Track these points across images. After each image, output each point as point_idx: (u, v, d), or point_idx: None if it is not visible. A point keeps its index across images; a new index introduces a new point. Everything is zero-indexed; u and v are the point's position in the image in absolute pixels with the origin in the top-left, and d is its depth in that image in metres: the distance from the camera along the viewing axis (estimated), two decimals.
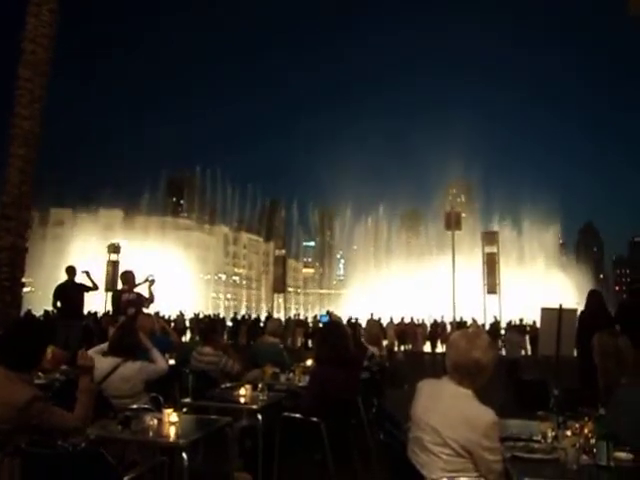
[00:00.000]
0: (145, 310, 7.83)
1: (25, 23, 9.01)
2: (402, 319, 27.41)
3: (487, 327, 22.82)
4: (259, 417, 4.34)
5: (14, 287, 8.64)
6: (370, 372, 6.02)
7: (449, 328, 25.07)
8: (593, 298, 7.23)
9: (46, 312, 23.01)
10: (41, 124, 9.06)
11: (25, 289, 9.56)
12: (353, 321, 23.82)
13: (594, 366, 3.55)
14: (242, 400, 4.60)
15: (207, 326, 6.24)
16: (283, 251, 30.15)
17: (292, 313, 38.25)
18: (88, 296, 9.67)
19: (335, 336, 4.63)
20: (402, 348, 24.86)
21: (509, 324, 24.10)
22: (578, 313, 6.79)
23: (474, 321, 23.84)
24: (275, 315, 30.47)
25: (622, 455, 2.69)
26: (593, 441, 2.71)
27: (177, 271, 45.40)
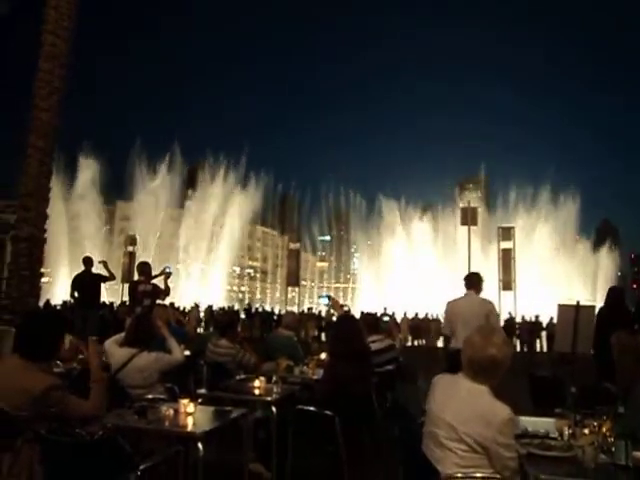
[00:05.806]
0: (160, 302, 7.90)
1: (44, 15, 9.05)
2: (416, 314, 27.35)
3: (502, 324, 22.63)
4: (273, 409, 4.37)
5: (32, 277, 8.74)
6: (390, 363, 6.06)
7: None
8: (613, 294, 7.11)
9: (64, 302, 23.38)
10: (59, 116, 9.13)
11: (44, 279, 9.69)
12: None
13: (612, 364, 3.50)
14: (256, 392, 4.62)
15: (225, 320, 6.21)
16: (297, 244, 30.05)
17: (306, 306, 38.30)
18: (105, 287, 9.80)
19: (350, 330, 4.62)
20: (416, 343, 24.80)
21: (524, 320, 23.95)
22: (596, 310, 6.67)
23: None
24: (289, 308, 30.54)
25: None
26: (611, 440, 2.67)
27: (193, 263, 45.75)
